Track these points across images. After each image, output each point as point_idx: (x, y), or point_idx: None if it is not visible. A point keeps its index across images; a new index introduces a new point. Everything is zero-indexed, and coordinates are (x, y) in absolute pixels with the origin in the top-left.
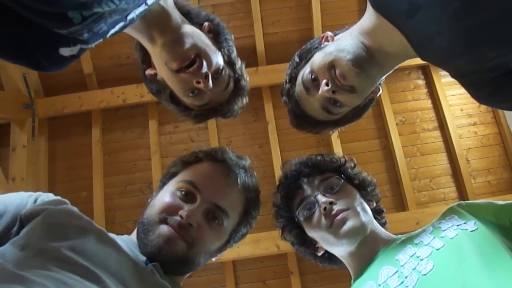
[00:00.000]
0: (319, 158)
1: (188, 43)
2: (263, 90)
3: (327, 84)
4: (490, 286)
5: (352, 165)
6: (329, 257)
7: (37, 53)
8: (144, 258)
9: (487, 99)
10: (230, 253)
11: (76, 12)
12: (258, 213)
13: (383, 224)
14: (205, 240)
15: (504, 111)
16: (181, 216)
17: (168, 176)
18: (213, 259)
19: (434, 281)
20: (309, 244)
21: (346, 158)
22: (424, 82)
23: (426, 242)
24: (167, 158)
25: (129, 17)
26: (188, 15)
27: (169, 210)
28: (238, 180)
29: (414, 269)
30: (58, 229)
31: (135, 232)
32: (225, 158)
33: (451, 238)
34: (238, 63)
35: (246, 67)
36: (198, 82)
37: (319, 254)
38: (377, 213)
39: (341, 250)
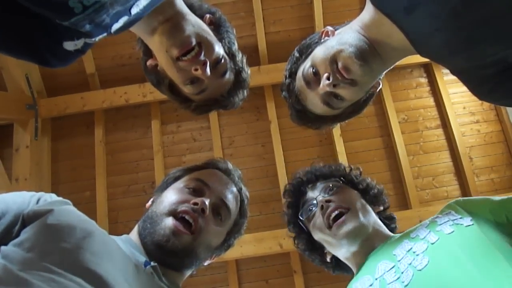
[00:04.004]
0: (324, 166)
1: (188, 30)
2: (266, 89)
3: (328, 78)
4: (481, 282)
5: (358, 173)
6: (338, 263)
7: (42, 48)
8: (143, 260)
9: (488, 95)
10: (233, 252)
11: (76, 1)
12: (246, 222)
13: (392, 230)
14: (209, 232)
15: (507, 108)
16: (195, 203)
17: (170, 180)
18: (206, 263)
19: (429, 276)
20: (318, 249)
21: (352, 167)
22: (426, 80)
23: (422, 236)
24: (170, 158)
25: (133, 10)
26: (191, 8)
27: (179, 203)
28: (238, 185)
29: (410, 264)
30: (64, 231)
31: (134, 231)
32: (226, 166)
33: (446, 233)
34: (239, 55)
35: (247, 65)
36: (196, 69)
37: (328, 259)
38: (387, 219)
39: (344, 251)
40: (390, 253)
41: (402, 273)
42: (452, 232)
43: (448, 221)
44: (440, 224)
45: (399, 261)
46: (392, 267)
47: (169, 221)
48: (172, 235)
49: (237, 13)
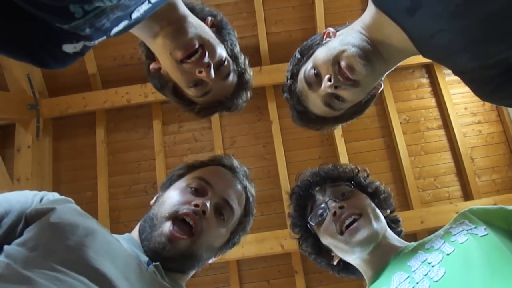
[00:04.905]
0: (331, 167)
1: (191, 32)
2: (267, 89)
3: (329, 80)
4: None
5: (365, 175)
6: (346, 266)
7: (41, 50)
8: (146, 258)
9: (490, 96)
10: (234, 253)
11: (77, 6)
12: (252, 219)
13: (398, 233)
14: (211, 233)
15: (509, 109)
16: (196, 205)
17: (174, 178)
18: (210, 262)
19: (445, 287)
20: (325, 253)
21: (359, 168)
22: (428, 80)
23: (436, 247)
24: (171, 158)
25: (134, 15)
26: (193, 11)
27: (181, 204)
28: (243, 183)
29: (425, 275)
30: (67, 229)
31: (136, 230)
32: (231, 162)
33: (461, 243)
34: (242, 57)
35: (249, 66)
36: (200, 72)
37: (335, 262)
38: (393, 222)
39: (354, 257)
40: (404, 265)
41: (417, 283)
42: (466, 240)
43: (462, 230)
44: (455, 235)
45: (413, 271)
46: (407, 278)
47: (166, 227)
48: (168, 242)
49: (239, 13)
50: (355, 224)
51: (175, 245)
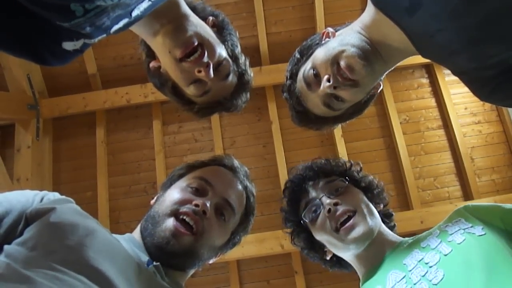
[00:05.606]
0: (324, 161)
1: (191, 31)
2: (267, 89)
3: (328, 80)
4: None
5: (358, 168)
6: (338, 261)
7: (40, 47)
8: (146, 259)
9: (489, 97)
10: (234, 253)
11: (78, 4)
12: (253, 219)
13: (391, 228)
14: (212, 233)
15: (509, 109)
16: (196, 205)
17: (174, 178)
18: (211, 262)
19: None
20: (318, 248)
21: (352, 162)
22: (428, 80)
23: (433, 246)
24: (171, 158)
25: (134, 13)
26: (194, 10)
27: (181, 203)
28: (243, 183)
29: (423, 276)
30: (67, 229)
31: (137, 230)
32: (232, 162)
33: (458, 243)
34: (242, 58)
35: (250, 67)
36: (199, 71)
37: (328, 257)
38: (386, 216)
39: (349, 254)
40: (400, 262)
41: (415, 284)
42: (464, 240)
43: (459, 230)
44: (451, 234)
45: (410, 271)
46: (403, 277)
47: (170, 222)
48: (172, 237)
49: (239, 13)
50: (350, 222)
51: (179, 240)
